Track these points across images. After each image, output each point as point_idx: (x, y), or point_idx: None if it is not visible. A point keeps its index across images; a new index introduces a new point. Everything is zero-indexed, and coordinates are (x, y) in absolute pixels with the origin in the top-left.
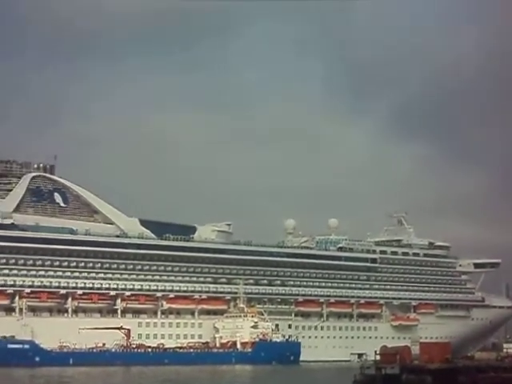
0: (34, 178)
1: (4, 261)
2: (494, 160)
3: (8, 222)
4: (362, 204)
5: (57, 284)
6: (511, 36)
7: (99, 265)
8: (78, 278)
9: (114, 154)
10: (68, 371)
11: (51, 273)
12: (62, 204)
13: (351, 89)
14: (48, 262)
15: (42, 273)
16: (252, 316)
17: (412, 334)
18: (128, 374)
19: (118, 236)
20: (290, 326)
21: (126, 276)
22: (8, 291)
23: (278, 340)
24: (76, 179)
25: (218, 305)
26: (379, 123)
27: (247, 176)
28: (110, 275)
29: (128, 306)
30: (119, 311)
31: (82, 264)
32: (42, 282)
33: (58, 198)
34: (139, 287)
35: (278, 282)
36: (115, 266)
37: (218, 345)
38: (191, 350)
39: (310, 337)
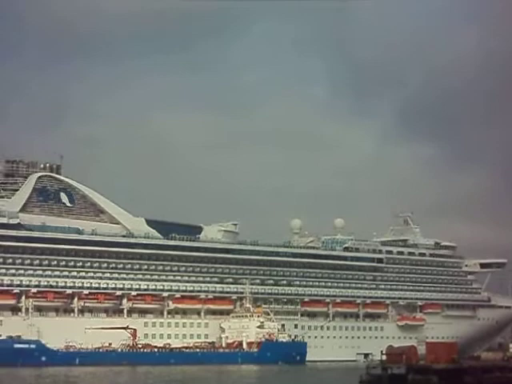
0: (40, 177)
1: (10, 260)
2: (500, 160)
3: (14, 221)
4: (368, 204)
5: (63, 284)
6: (511, 36)
7: (105, 265)
8: (84, 277)
9: (120, 153)
10: (74, 371)
11: (57, 273)
12: (69, 204)
13: (354, 89)
14: (54, 262)
15: (49, 272)
16: (258, 316)
17: (418, 334)
18: (134, 374)
19: (124, 236)
20: (296, 326)
21: (132, 276)
22: (14, 291)
23: (284, 340)
24: (82, 179)
25: (224, 305)
26: (384, 123)
27: (253, 176)
28: (116, 275)
29: (134, 305)
30: (125, 311)
31: (88, 264)
32: (48, 281)
33: (64, 197)
34: (145, 287)
35: (284, 282)
36: (121, 265)
37: (224, 345)
38: (197, 350)
39: (316, 337)
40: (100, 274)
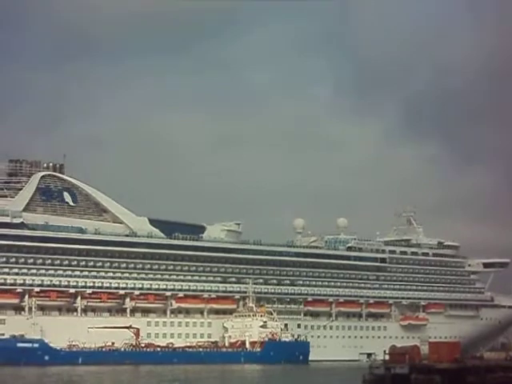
0: (43, 177)
1: (14, 260)
2: (504, 160)
3: (18, 221)
4: (371, 203)
5: (66, 283)
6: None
7: (108, 264)
8: (87, 277)
9: (123, 153)
10: (77, 370)
11: (60, 272)
12: (72, 203)
13: (357, 89)
14: (57, 261)
15: (52, 272)
16: (261, 315)
17: (421, 334)
18: (137, 373)
19: (127, 235)
20: (299, 326)
21: (135, 275)
22: (17, 290)
23: (287, 339)
24: (85, 178)
25: (227, 304)
26: (387, 123)
27: (256, 176)
28: (119, 274)
29: (137, 305)
30: (128, 310)
31: (91, 263)
32: (51, 280)
33: (67, 197)
34: (148, 286)
35: (287, 282)
36: (124, 265)
37: (227, 344)
38: (200, 350)
39: (319, 336)
40: (103, 274)
